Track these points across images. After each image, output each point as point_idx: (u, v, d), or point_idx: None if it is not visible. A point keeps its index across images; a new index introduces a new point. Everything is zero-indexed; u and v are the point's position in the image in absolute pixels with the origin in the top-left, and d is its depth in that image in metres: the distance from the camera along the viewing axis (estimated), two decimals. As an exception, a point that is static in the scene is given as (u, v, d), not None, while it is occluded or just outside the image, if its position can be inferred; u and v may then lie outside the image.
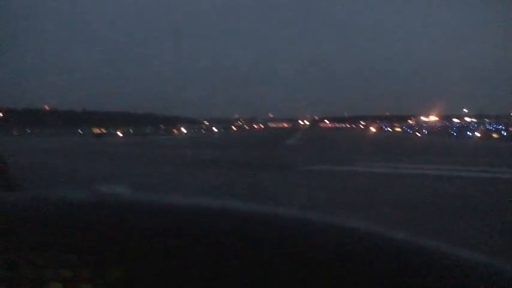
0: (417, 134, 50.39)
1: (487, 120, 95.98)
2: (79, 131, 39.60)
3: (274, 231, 0.57)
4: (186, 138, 41.79)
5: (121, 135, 41.88)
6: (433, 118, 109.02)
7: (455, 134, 43.73)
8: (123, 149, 23.75)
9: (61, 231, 0.61)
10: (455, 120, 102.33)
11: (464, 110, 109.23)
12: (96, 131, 43.73)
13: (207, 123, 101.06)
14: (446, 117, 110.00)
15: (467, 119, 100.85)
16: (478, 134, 35.33)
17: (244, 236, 0.57)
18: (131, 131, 48.90)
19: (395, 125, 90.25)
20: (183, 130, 55.00)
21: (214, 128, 73.28)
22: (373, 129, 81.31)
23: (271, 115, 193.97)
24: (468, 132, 41.32)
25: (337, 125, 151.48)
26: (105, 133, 41.75)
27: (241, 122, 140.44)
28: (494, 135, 33.19)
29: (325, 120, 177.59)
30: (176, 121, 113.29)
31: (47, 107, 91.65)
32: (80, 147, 24.64)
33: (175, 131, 53.09)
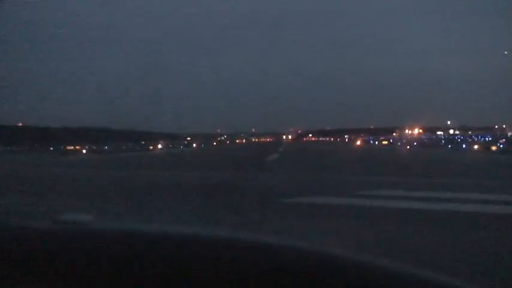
0: (407, 147, 47.49)
1: (470, 132, 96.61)
2: (50, 148, 37.29)
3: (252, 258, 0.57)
4: (158, 155, 36.99)
5: (84, 151, 38.60)
6: (416, 131, 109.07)
7: (450, 146, 41.13)
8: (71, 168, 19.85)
9: (22, 264, 0.59)
10: (439, 132, 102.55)
11: (448, 122, 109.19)
12: (70, 148, 41.35)
13: (189, 139, 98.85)
14: (430, 130, 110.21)
15: (451, 131, 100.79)
16: (476, 147, 33.43)
17: (215, 263, 0.56)
18: (106, 147, 46.46)
19: (382, 138, 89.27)
20: (159, 146, 52.50)
21: (194, 144, 71.00)
22: (358, 142, 79.77)
23: (254, 130, 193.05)
24: (463, 145, 39.10)
25: (320, 139, 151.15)
26: (71, 151, 38.69)
27: (224, 137, 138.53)
28: (493, 148, 31.47)
29: (309, 134, 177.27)
30: (159, 137, 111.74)
31: (19, 124, 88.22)
32: (33, 167, 21.49)
33: (151, 147, 50.51)
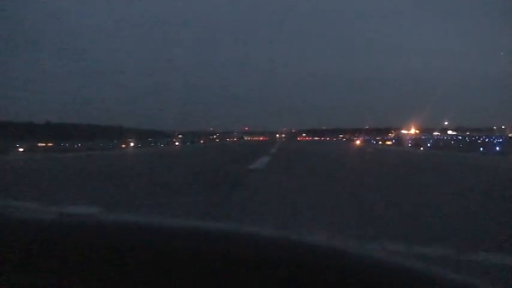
0: (420, 149, 40.92)
1: (468, 133, 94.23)
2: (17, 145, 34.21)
3: (254, 251, 0.58)
4: (121, 156, 30.21)
5: (21, 149, 32.74)
6: (413, 131, 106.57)
7: (481, 149, 33.72)
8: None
9: (25, 254, 0.60)
10: (435, 133, 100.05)
11: (445, 122, 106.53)
12: (41, 145, 38.37)
13: (180, 137, 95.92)
14: (426, 130, 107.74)
15: (449, 132, 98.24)
16: None
17: (219, 256, 0.58)
18: (78, 144, 43.28)
19: (385, 138, 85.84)
20: (131, 144, 49.03)
21: (176, 142, 67.68)
22: (358, 142, 73.97)
23: (246, 128, 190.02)
24: (496, 148, 32.35)
25: (315, 138, 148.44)
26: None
27: (216, 136, 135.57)
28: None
29: (303, 134, 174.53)
30: (148, 134, 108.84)
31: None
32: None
33: (123, 145, 47.14)
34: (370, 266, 0.57)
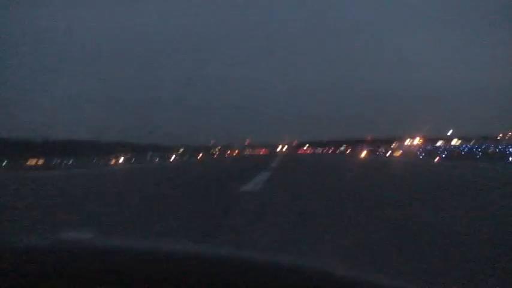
0: (435, 160, 36.86)
1: (472, 142, 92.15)
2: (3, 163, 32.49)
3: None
4: (101, 175, 27.87)
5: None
6: (417, 141, 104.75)
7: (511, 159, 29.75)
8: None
9: (23, 283, 0.59)
10: (438, 143, 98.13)
11: (449, 132, 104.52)
12: (32, 162, 36.57)
13: (182, 150, 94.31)
14: (430, 140, 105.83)
15: (454, 141, 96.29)
16: None
17: (218, 282, 0.57)
18: (70, 162, 41.60)
19: (391, 147, 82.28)
20: (120, 161, 47.09)
21: (171, 158, 65.87)
22: (363, 154, 68.93)
23: (248, 142, 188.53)
24: None
25: (316, 150, 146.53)
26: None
27: (217, 150, 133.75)
28: None
29: (305, 147, 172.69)
30: (146, 149, 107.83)
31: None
32: None
33: (113, 161, 45.20)
34: None
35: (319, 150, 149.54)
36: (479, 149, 51.21)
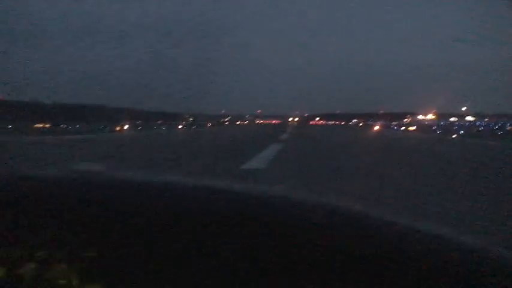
0: (453, 136, 33.19)
1: (487, 119, 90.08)
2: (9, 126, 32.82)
3: (264, 211, 0.57)
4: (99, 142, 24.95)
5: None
6: (430, 116, 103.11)
7: None
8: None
9: (35, 211, 0.61)
10: (452, 119, 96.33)
11: (463, 108, 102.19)
12: (38, 126, 36.84)
13: (191, 119, 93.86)
14: (443, 116, 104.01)
15: (468, 117, 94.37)
16: None
17: (227, 215, 0.57)
18: (77, 126, 41.74)
19: (402, 122, 79.25)
20: (125, 127, 46.72)
21: (179, 126, 65.51)
22: (376, 127, 63.87)
23: (259, 112, 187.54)
24: None
25: (329, 123, 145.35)
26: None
27: (227, 119, 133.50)
28: None
29: (317, 118, 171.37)
30: (158, 116, 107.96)
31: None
32: None
33: (117, 128, 44.59)
34: (378, 226, 0.55)
35: (331, 122, 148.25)
36: (496, 126, 48.79)
